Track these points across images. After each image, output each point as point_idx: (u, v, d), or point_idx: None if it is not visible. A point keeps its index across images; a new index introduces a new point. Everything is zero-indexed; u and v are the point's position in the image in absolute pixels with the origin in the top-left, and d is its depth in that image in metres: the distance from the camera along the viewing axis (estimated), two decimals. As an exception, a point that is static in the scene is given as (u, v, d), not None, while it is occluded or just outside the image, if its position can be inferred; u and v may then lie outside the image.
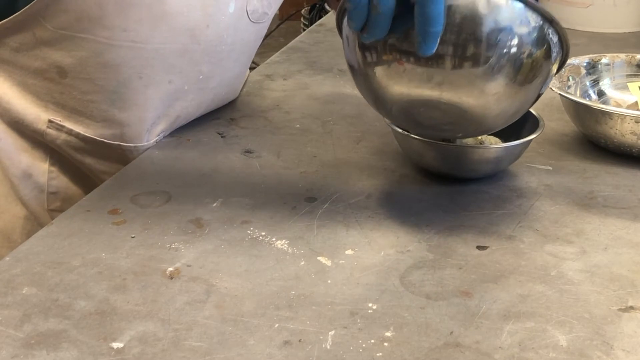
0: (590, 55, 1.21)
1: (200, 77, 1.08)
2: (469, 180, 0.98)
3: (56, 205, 1.09)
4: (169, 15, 0.98)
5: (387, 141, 1.09)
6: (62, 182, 1.09)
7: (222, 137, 1.11)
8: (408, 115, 0.85)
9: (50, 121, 1.04)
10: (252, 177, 1.00)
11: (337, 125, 1.16)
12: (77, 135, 1.05)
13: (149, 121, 1.06)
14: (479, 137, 1.00)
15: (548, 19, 0.81)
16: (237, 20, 1.07)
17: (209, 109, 1.16)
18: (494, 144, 1.00)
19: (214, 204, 0.93)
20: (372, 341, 0.71)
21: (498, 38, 0.78)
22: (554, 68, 0.85)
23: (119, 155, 1.07)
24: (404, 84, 0.81)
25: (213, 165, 1.03)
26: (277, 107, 1.23)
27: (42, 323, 0.73)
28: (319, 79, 1.38)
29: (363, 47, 0.81)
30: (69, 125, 1.04)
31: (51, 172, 1.08)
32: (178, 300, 0.76)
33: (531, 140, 0.98)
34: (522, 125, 1.00)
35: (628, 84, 1.18)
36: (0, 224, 1.08)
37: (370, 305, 0.76)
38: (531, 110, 1.01)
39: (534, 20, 0.80)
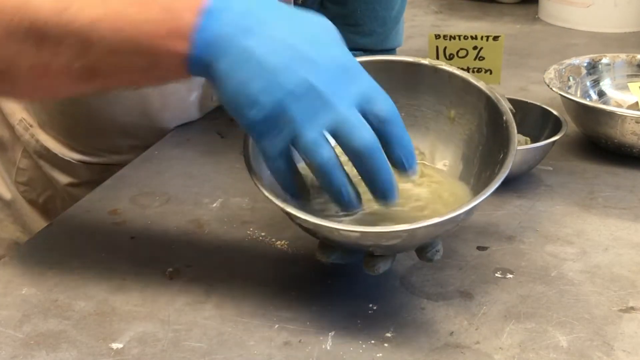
0: (591, 55, 1.20)
1: None
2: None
3: (22, 180, 1.15)
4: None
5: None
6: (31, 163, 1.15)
7: (222, 137, 1.11)
8: None
9: (21, 119, 1.11)
10: (252, 177, 1.00)
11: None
12: (37, 142, 1.12)
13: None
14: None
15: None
16: None
17: None
18: (521, 146, 0.99)
19: (214, 204, 0.93)
20: (372, 342, 0.71)
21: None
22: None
23: (72, 169, 1.12)
24: None
25: (213, 165, 1.03)
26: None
27: (42, 323, 0.73)
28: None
29: None
30: (34, 130, 1.11)
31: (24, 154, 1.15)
32: (178, 300, 0.76)
33: (555, 141, 0.97)
34: (545, 125, 1.01)
35: (629, 84, 1.17)
36: None
37: (370, 305, 0.76)
38: (553, 111, 1.02)
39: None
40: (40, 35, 0.65)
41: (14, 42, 0.65)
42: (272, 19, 0.66)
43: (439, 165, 0.84)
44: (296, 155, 0.69)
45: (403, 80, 0.83)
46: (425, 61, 0.83)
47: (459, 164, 0.83)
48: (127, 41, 0.65)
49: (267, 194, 0.71)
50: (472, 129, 0.82)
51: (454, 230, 0.76)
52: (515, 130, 0.76)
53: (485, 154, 0.80)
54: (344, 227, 0.69)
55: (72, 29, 0.65)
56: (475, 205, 0.70)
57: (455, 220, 0.69)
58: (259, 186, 0.72)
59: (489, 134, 0.80)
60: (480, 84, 0.81)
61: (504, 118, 0.78)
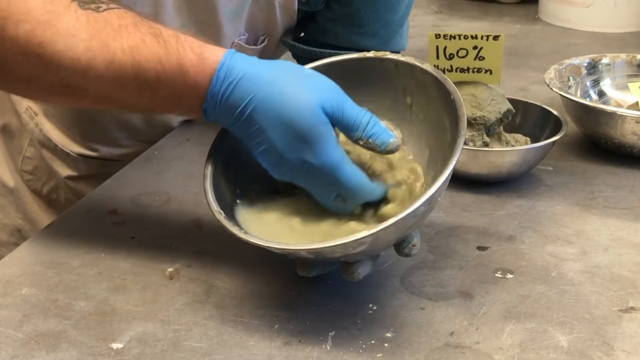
0: (591, 56, 1.21)
1: None
2: (470, 181, 0.98)
3: (27, 169, 1.16)
4: None
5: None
6: (36, 153, 1.16)
7: (222, 137, 1.11)
8: None
9: (27, 108, 1.12)
10: (252, 177, 1.00)
11: (337, 125, 1.15)
12: (41, 131, 1.12)
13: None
14: (505, 138, 0.99)
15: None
16: None
17: None
18: (521, 146, 0.99)
19: (214, 204, 0.93)
20: (373, 342, 0.71)
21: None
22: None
23: (72, 161, 1.12)
24: None
25: (213, 165, 1.03)
26: (277, 107, 1.23)
27: (42, 323, 0.73)
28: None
29: None
30: (39, 119, 1.12)
31: (31, 143, 1.16)
32: (178, 300, 0.76)
33: (555, 141, 0.97)
34: (545, 125, 1.01)
35: (629, 84, 1.17)
36: None
37: (370, 305, 0.76)
38: (553, 111, 1.02)
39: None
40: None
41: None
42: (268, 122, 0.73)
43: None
44: None
45: (355, 77, 0.83)
46: (370, 54, 0.83)
47: (424, 150, 0.82)
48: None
49: (236, 232, 0.74)
50: (430, 112, 0.81)
51: (419, 223, 0.76)
52: (464, 110, 0.75)
53: (444, 136, 0.79)
54: (303, 246, 0.71)
55: None
56: (430, 197, 0.70)
57: (414, 214, 0.69)
58: (224, 222, 0.75)
59: (445, 115, 0.79)
60: (425, 66, 0.80)
61: (452, 97, 0.76)
